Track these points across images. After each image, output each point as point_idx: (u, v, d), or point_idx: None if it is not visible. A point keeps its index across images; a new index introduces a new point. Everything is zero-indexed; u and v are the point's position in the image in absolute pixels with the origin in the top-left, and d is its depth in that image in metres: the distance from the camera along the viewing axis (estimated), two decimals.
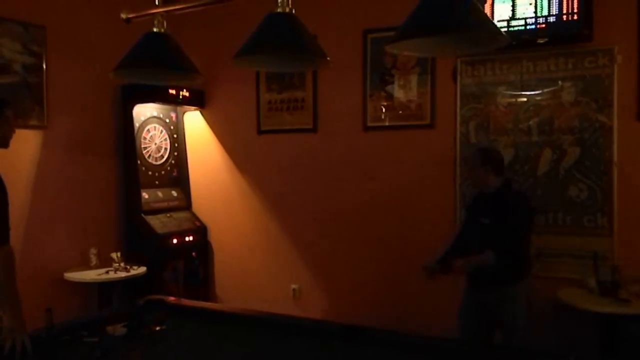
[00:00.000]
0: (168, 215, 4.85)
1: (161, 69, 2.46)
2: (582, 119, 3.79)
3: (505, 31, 3.69)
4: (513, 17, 3.79)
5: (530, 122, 3.94)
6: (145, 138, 4.86)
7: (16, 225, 2.42)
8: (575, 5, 3.60)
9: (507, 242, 3.15)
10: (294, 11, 2.03)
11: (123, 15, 2.52)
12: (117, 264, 4.29)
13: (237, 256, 5.11)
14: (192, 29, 4.52)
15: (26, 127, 4.01)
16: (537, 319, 3.82)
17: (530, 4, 3.73)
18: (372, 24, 4.38)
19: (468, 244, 3.37)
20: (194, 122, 5.27)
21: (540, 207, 3.87)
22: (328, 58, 2.11)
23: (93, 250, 4.35)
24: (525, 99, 3.96)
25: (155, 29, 2.36)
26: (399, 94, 4.39)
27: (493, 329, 3.34)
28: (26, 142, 4.05)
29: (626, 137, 3.68)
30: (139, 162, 4.73)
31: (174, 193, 5.08)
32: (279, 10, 2.03)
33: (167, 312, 2.69)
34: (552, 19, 3.67)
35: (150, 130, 4.92)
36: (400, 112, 4.39)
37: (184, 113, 5.26)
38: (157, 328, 2.55)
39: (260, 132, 4.98)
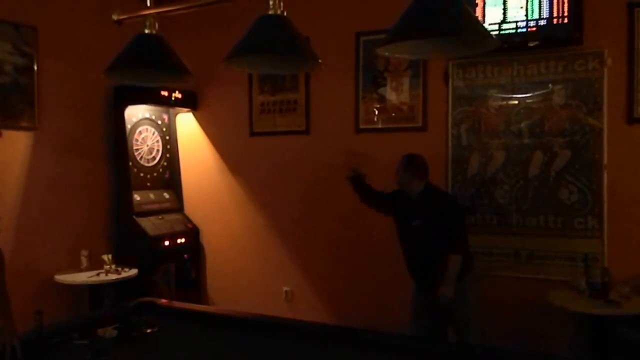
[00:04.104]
0: (160, 217, 4.83)
1: (153, 70, 2.45)
2: (572, 121, 3.81)
3: (496, 34, 3.71)
4: (504, 21, 3.81)
5: (521, 125, 3.96)
6: (137, 140, 4.84)
7: (6, 226, 2.41)
8: (566, 9, 3.63)
9: (456, 239, 3.37)
10: (285, 13, 2.04)
11: (114, 17, 2.52)
12: (108, 266, 4.26)
13: (229, 258, 5.10)
14: (184, 31, 4.50)
15: (17, 128, 3.99)
16: (528, 320, 3.85)
17: (521, 7, 3.75)
18: (365, 26, 4.39)
19: (405, 244, 3.58)
20: (186, 123, 5.26)
21: (530, 210, 3.91)
22: (320, 60, 2.12)
23: (84, 252, 4.32)
24: (516, 102, 3.98)
25: (146, 31, 2.36)
26: (391, 96, 4.40)
27: (447, 326, 3.50)
28: (17, 144, 4.03)
29: (616, 140, 3.70)
30: (130, 163, 4.71)
31: (166, 195, 5.07)
32: (271, 12, 2.03)
33: (159, 315, 2.69)
34: (542, 22, 3.70)
35: (142, 131, 4.90)
36: (393, 114, 4.41)
37: (176, 115, 5.25)
38: (149, 330, 2.55)
39: (252, 134, 4.98)
